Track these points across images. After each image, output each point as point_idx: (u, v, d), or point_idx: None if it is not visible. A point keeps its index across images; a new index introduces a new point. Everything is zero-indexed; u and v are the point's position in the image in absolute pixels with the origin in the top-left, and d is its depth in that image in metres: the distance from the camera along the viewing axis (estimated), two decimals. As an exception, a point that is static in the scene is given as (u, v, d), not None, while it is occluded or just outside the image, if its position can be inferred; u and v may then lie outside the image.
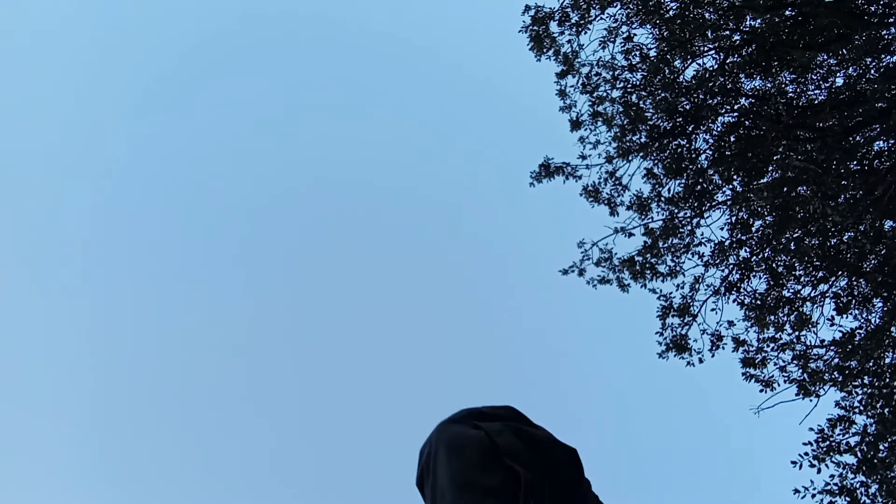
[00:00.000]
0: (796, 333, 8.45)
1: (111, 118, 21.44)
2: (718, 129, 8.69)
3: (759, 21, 8.23)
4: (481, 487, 0.69)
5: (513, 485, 0.69)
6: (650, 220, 9.02)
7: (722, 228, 8.98)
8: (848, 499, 7.17)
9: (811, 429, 7.58)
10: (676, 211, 8.94)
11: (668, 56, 8.60)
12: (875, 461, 7.24)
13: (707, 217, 8.95)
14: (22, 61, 19.88)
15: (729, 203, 8.83)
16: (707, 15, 8.55)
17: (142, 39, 21.00)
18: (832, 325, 8.35)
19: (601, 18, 8.89)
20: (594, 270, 9.21)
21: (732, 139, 8.55)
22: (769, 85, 8.50)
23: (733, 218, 8.84)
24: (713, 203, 8.88)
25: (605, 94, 8.99)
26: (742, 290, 8.80)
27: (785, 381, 8.39)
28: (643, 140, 8.75)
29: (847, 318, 8.31)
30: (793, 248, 8.51)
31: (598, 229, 9.42)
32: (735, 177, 8.61)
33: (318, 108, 22.82)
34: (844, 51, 8.16)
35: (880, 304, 8.27)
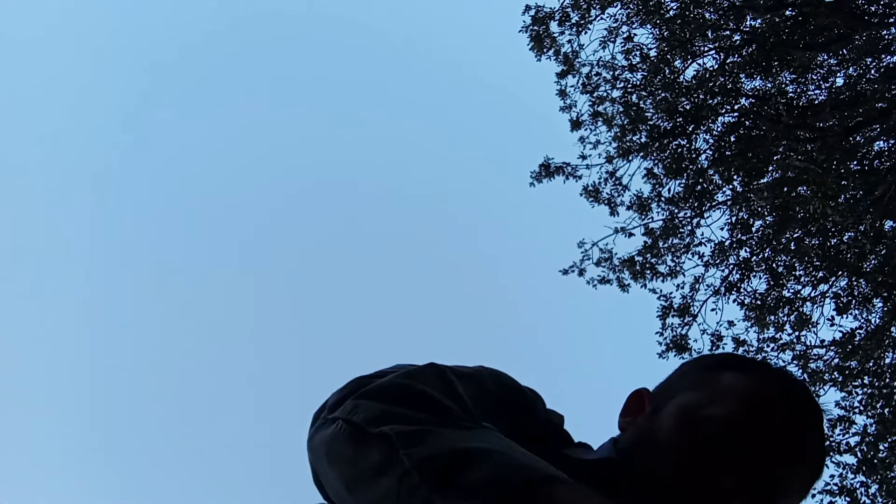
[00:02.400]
0: (796, 333, 8.45)
1: (106, 117, 21.46)
2: (718, 129, 8.69)
3: (759, 21, 8.23)
4: (366, 471, 0.63)
5: (389, 447, 0.63)
6: (650, 220, 9.02)
7: (722, 228, 8.98)
8: (848, 499, 7.17)
9: (811, 429, 7.57)
10: (676, 211, 8.93)
11: (669, 56, 8.60)
12: (875, 461, 7.25)
13: (707, 217, 8.95)
14: (10, 61, 19.90)
15: (729, 203, 8.83)
16: (707, 15, 8.55)
17: (131, 40, 21.01)
18: (832, 325, 8.36)
19: (601, 18, 8.89)
20: (594, 270, 9.19)
21: (732, 139, 8.55)
22: (769, 85, 8.51)
23: (733, 218, 8.84)
24: (713, 203, 8.88)
25: (605, 94, 8.98)
26: (742, 290, 8.80)
27: (785, 382, 8.38)
28: (643, 140, 8.75)
29: (847, 318, 8.32)
30: (793, 248, 8.51)
31: (598, 229, 9.39)
32: (735, 177, 8.61)
33: (317, 107, 22.85)
34: (844, 51, 8.17)
35: (880, 304, 8.27)
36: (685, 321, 8.90)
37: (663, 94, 8.57)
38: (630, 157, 8.91)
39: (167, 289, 21.15)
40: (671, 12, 8.52)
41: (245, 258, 22.20)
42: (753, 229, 8.86)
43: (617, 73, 8.92)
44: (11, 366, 19.26)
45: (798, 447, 0.78)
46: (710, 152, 8.67)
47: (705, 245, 8.97)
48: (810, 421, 0.80)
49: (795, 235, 8.52)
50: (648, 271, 9.01)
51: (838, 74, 8.56)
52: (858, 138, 8.08)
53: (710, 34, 8.47)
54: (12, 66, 19.40)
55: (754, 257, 8.85)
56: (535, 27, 8.93)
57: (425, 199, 22.87)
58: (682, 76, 8.72)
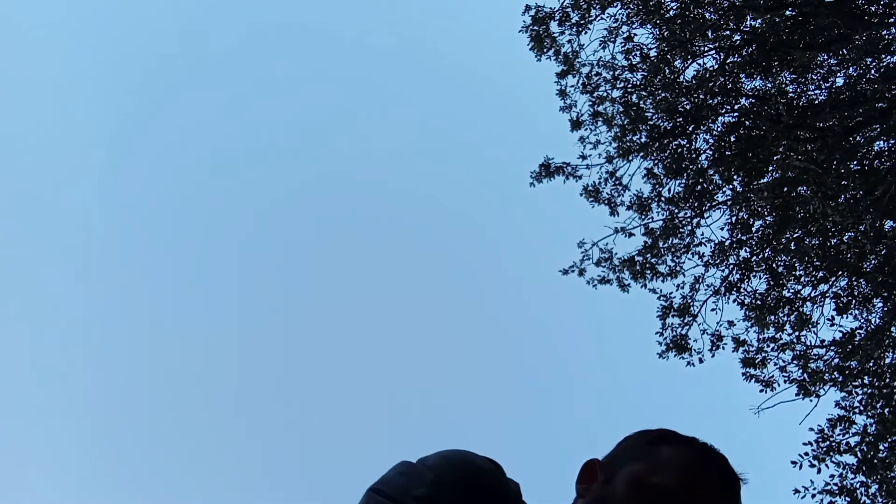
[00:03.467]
0: (796, 333, 8.45)
1: (101, 115, 21.47)
2: (718, 129, 8.69)
3: (759, 21, 8.23)
4: None
5: None
6: (650, 220, 9.03)
7: (722, 228, 8.98)
8: (848, 499, 7.17)
9: (811, 429, 7.58)
10: (676, 211, 8.94)
11: (669, 56, 8.60)
12: (875, 461, 7.24)
13: (707, 217, 8.95)
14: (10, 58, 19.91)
15: (729, 203, 8.84)
16: (707, 15, 8.56)
17: (126, 42, 21.02)
18: (832, 325, 8.36)
19: (601, 18, 8.90)
20: (594, 270, 9.21)
21: (732, 139, 8.55)
22: (769, 85, 8.51)
23: (733, 218, 8.85)
24: (713, 203, 8.88)
25: (605, 94, 8.99)
26: (742, 290, 8.80)
27: (785, 381, 8.39)
28: (643, 140, 8.76)
29: (847, 318, 8.32)
30: (793, 248, 8.52)
31: (598, 229, 9.41)
32: (735, 177, 8.61)
33: (318, 107, 22.84)
34: (844, 51, 8.17)
35: (880, 304, 8.28)
36: (685, 321, 8.90)
37: (663, 94, 8.57)
38: (630, 157, 8.92)
39: (164, 292, 21.16)
40: (671, 12, 8.53)
41: (244, 261, 22.22)
42: (753, 229, 8.87)
43: (617, 73, 8.93)
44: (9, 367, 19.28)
45: None
46: (710, 152, 8.67)
47: (705, 245, 8.98)
48: (730, 485, 1.02)
49: (795, 235, 8.52)
50: (648, 271, 9.01)
51: (838, 74, 8.57)
52: (858, 138, 8.08)
53: (710, 34, 8.47)
54: (12, 63, 19.42)
55: (754, 257, 8.86)
56: (535, 27, 8.94)
57: (425, 199, 22.88)
58: (682, 76, 8.73)
